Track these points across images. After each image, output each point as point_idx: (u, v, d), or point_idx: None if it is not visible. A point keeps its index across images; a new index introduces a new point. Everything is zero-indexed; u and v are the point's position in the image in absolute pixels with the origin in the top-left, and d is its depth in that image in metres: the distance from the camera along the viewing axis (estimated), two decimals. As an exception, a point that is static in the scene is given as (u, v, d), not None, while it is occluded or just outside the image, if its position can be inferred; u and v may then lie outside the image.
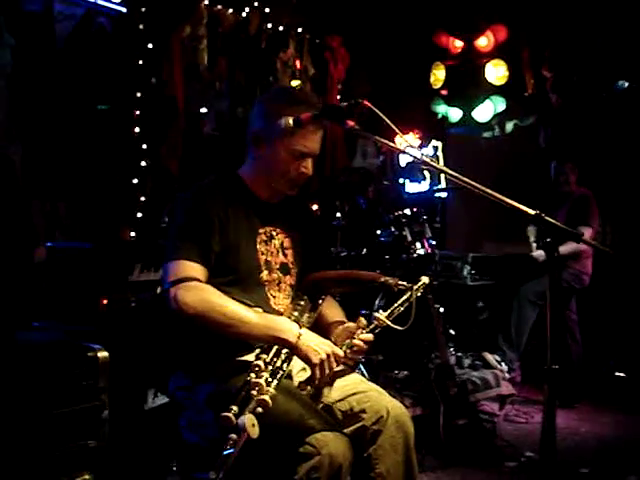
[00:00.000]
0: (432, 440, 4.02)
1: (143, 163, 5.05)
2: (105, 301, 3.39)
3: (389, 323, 2.33)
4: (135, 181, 5.02)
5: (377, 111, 2.11)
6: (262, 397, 1.93)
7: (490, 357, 5.12)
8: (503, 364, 5.16)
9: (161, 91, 5.11)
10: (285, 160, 2.36)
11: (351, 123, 2.15)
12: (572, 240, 1.92)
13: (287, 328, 2.16)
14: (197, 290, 2.16)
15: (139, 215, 5.01)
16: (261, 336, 2.16)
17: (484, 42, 6.45)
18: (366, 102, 2.13)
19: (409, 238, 4.56)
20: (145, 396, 3.39)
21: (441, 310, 4.71)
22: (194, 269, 2.20)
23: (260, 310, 2.25)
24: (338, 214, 5.07)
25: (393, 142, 2.21)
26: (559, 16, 6.18)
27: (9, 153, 4.30)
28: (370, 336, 2.34)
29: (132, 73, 4.95)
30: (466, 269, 5.81)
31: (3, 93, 4.25)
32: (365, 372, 4.16)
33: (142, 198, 5.04)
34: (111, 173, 4.91)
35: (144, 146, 5.04)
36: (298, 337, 2.14)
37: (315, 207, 5.62)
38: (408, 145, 2.16)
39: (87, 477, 1.81)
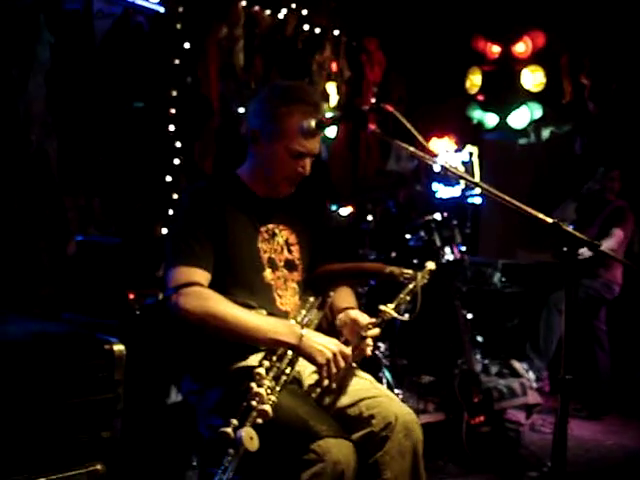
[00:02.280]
0: (455, 447, 4.01)
1: (177, 161, 5.09)
2: (132, 295, 3.45)
3: (395, 315, 2.29)
4: (169, 178, 5.07)
5: (400, 116, 2.08)
6: (262, 407, 1.93)
7: (518, 365, 5.09)
8: (531, 373, 5.12)
9: (196, 90, 5.16)
10: (283, 159, 2.32)
11: (372, 127, 2.13)
12: (590, 250, 1.90)
13: (288, 331, 2.14)
14: (197, 295, 2.14)
15: (171, 212, 5.06)
16: (263, 340, 2.15)
17: (522, 48, 6.40)
18: (389, 107, 2.12)
19: (438, 243, 4.54)
20: (168, 390, 3.43)
21: (469, 316, 4.70)
22: (195, 274, 2.18)
23: (264, 312, 2.24)
24: (370, 217, 5.07)
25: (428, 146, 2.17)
26: (599, 23, 6.10)
27: (45, 147, 4.37)
28: (377, 331, 2.30)
29: (168, 72, 5.00)
30: (496, 276, 5.77)
31: (41, 89, 4.33)
32: (389, 377, 4.16)
33: (175, 196, 5.08)
34: (145, 170, 4.98)
35: (178, 144, 5.08)
36: (300, 338, 2.12)
37: (350, 209, 5.62)
38: (428, 151, 2.12)
39: (99, 467, 1.84)
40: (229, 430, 1.88)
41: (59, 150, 4.45)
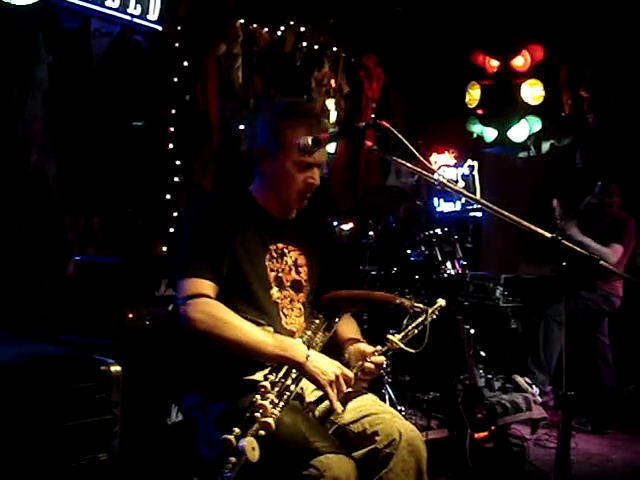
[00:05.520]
0: (459, 463, 3.97)
1: (176, 179, 5.10)
2: (131, 315, 3.43)
3: (402, 346, 2.30)
4: (168, 196, 5.07)
5: (396, 132, 2.09)
6: (265, 420, 1.93)
7: (521, 380, 5.04)
8: (534, 387, 5.08)
9: (195, 108, 5.17)
10: (291, 172, 2.36)
11: (369, 143, 2.14)
12: (590, 264, 1.88)
13: (295, 349, 2.17)
14: (206, 306, 2.18)
15: (171, 230, 5.05)
16: (269, 355, 2.17)
17: (520, 62, 6.40)
18: (384, 123, 2.12)
19: (439, 258, 4.52)
20: (169, 410, 3.40)
21: (472, 331, 4.67)
22: (204, 286, 2.22)
23: (271, 329, 2.24)
24: (370, 232, 5.06)
25: (428, 161, 2.19)
26: (596, 36, 6.11)
27: (44, 168, 4.38)
28: (382, 359, 2.32)
29: (167, 90, 5.01)
30: (498, 290, 5.75)
31: (40, 108, 4.34)
32: (392, 393, 4.13)
33: (175, 213, 5.08)
34: (144, 188, 4.98)
35: (177, 162, 5.10)
36: (306, 358, 2.14)
37: (351, 225, 5.61)
38: (426, 167, 2.11)
39: (97, 490, 1.83)
40: (231, 438, 1.87)
41: (58, 170, 4.46)
